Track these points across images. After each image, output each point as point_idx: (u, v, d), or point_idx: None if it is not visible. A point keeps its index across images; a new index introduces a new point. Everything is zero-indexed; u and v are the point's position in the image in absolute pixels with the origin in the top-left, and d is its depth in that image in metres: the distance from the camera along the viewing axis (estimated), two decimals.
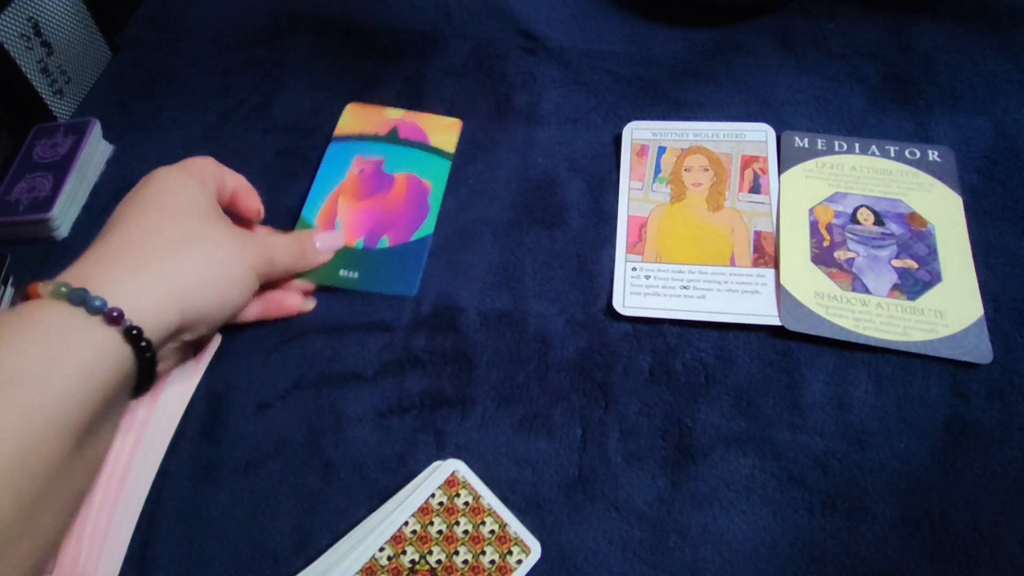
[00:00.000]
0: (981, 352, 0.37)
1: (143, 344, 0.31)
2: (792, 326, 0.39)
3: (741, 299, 0.40)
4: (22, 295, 0.31)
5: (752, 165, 0.46)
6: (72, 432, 0.28)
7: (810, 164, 0.46)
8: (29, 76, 0.54)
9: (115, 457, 0.37)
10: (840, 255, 0.41)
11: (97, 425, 0.30)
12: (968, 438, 0.35)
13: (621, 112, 0.51)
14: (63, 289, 0.29)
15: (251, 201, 0.43)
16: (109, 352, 0.29)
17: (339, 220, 0.47)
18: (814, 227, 0.43)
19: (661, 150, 0.48)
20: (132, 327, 0.30)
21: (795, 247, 0.42)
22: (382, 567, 0.34)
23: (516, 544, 0.34)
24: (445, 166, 0.49)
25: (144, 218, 0.35)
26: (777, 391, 0.38)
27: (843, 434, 0.36)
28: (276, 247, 0.40)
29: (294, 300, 0.42)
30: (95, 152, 0.54)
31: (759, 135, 0.47)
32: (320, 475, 0.38)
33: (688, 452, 0.37)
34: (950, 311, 0.39)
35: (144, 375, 0.32)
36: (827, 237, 0.42)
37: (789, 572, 0.33)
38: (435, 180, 0.49)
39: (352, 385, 0.41)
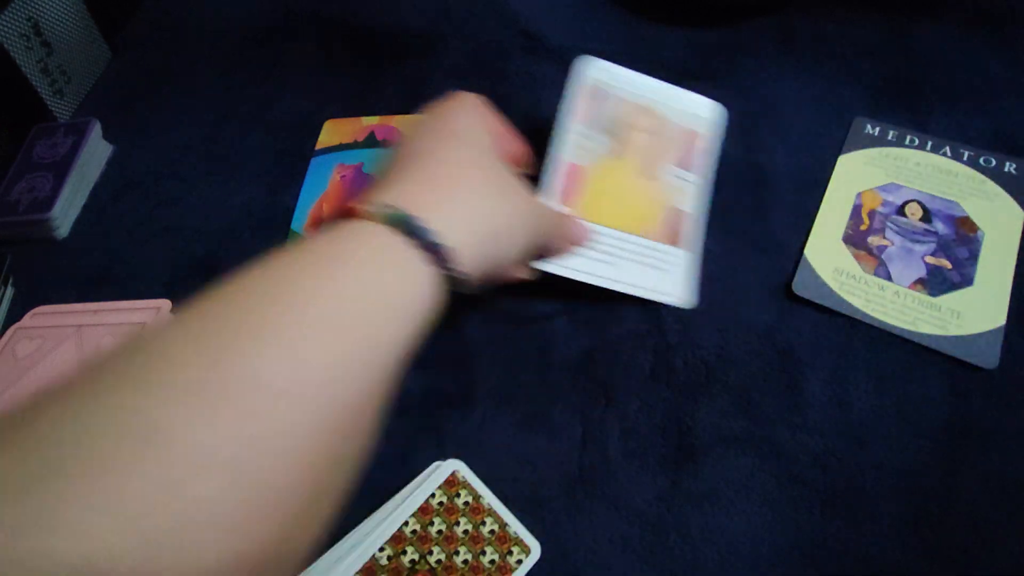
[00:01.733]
0: (987, 358, 0.37)
1: (455, 291, 0.28)
2: (801, 291, 0.40)
3: (649, 273, 0.40)
4: (342, 211, 0.27)
5: (693, 141, 0.44)
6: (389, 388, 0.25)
7: (873, 152, 0.46)
8: (29, 76, 0.54)
9: None
10: (874, 240, 0.42)
11: None
12: (968, 438, 0.35)
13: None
14: (399, 216, 0.26)
15: (516, 144, 0.37)
16: (436, 294, 0.27)
17: (325, 226, 0.47)
18: (857, 210, 0.43)
19: (614, 99, 0.43)
20: (455, 272, 0.27)
21: (831, 224, 0.43)
22: (382, 567, 0.34)
23: (516, 544, 0.34)
24: None
25: (460, 149, 0.31)
26: (777, 390, 0.38)
27: (843, 433, 0.36)
28: (560, 223, 0.36)
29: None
30: (95, 152, 0.54)
31: (705, 111, 0.44)
32: None
33: (688, 451, 0.37)
34: (970, 314, 0.39)
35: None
36: (867, 222, 0.43)
37: (789, 570, 0.33)
38: None
39: None
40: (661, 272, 0.40)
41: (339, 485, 0.23)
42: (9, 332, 0.43)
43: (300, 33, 0.61)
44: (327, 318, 0.23)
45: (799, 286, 0.40)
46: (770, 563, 0.33)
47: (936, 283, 0.40)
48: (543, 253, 0.37)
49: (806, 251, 0.42)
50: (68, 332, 0.41)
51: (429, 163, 0.31)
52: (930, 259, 0.41)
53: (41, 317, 0.43)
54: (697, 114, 0.44)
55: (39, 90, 0.55)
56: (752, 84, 0.51)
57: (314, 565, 0.34)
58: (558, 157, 0.41)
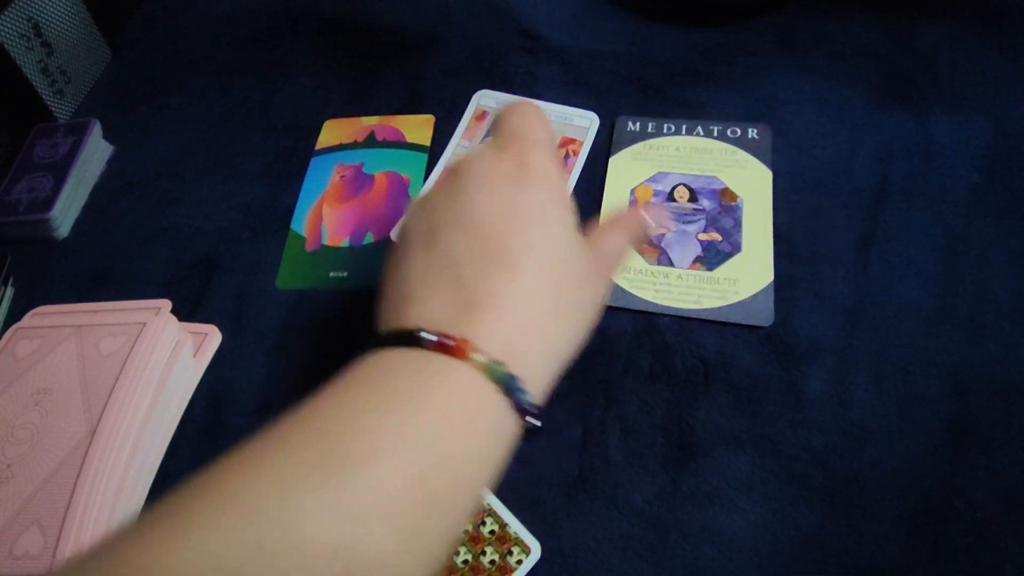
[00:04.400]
0: (764, 316, 0.39)
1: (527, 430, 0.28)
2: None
3: None
4: (448, 343, 0.26)
5: (568, 146, 0.49)
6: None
7: (638, 147, 0.48)
8: (29, 76, 0.54)
9: (115, 458, 0.37)
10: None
11: None
12: (968, 437, 0.35)
13: (621, 112, 0.51)
14: (505, 377, 0.26)
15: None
16: (512, 440, 0.27)
17: (324, 226, 0.48)
18: (633, 206, 0.45)
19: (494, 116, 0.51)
20: (535, 425, 0.27)
21: None
22: None
23: (516, 544, 0.34)
24: (422, 159, 0.51)
25: (550, 269, 0.29)
26: (777, 388, 0.38)
27: (843, 431, 0.36)
28: (621, 261, 0.34)
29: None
30: (95, 152, 0.54)
31: (584, 121, 0.50)
32: None
33: (688, 450, 0.37)
34: (743, 279, 0.41)
35: None
36: None
37: (789, 569, 0.33)
38: (414, 173, 0.50)
39: None
40: None
41: None
42: (9, 332, 0.43)
43: (300, 33, 0.61)
44: (409, 462, 0.23)
45: None
46: (770, 561, 0.33)
47: (711, 257, 0.42)
48: None
49: None
50: (68, 332, 0.41)
51: (529, 289, 0.28)
52: (703, 236, 0.43)
53: (41, 317, 0.43)
54: (574, 123, 0.50)
55: (39, 90, 0.55)
56: (752, 84, 0.51)
57: None
58: (439, 166, 0.49)
